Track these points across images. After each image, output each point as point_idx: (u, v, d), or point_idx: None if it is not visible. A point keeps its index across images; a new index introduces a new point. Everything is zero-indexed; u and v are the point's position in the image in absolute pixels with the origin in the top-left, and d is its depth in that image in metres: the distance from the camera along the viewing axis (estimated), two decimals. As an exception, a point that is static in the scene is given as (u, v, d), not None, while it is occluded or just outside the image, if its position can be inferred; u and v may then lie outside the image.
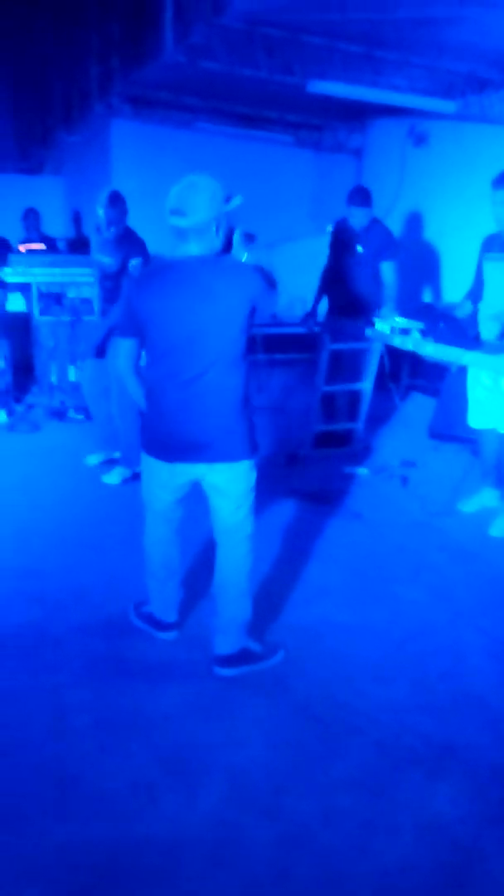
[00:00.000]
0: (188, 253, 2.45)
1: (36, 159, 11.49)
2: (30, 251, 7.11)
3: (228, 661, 2.70)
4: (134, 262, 4.36)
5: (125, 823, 2.06)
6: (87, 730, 2.42)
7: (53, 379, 6.14)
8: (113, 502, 4.25)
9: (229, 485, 2.58)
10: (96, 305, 4.63)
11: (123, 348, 2.65)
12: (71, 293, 6.07)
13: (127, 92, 7.59)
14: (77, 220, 9.19)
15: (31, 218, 7.68)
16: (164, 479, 2.66)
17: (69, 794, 2.15)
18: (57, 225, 9.18)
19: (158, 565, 2.84)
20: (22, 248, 7.21)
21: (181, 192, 2.44)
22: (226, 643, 2.70)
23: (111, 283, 4.53)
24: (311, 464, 4.97)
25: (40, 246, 7.41)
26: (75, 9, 7.89)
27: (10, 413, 5.76)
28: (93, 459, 4.86)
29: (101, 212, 4.37)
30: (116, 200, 4.42)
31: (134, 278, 2.71)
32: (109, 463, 4.77)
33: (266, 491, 4.44)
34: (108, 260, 4.44)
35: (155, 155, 8.07)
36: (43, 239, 7.63)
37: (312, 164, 9.11)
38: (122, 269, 4.39)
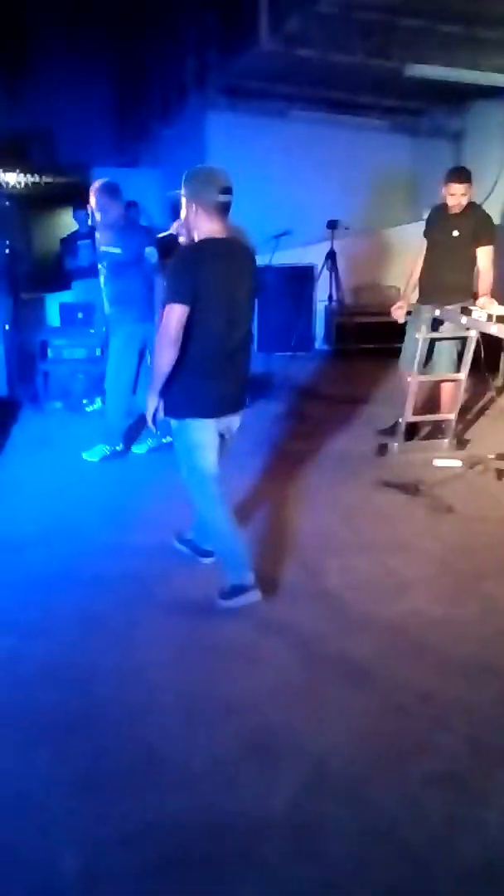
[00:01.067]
0: (224, 229, 2.86)
1: (132, 153, 11.77)
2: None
3: (222, 594, 3.06)
4: (149, 250, 4.52)
5: (208, 801, 2.10)
6: (173, 708, 2.48)
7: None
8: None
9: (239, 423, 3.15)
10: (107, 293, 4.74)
11: (177, 314, 2.79)
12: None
13: (222, 83, 7.66)
14: (176, 211, 9.36)
15: (132, 211, 7.86)
16: (211, 438, 3.01)
17: (155, 769, 2.21)
18: (154, 217, 9.36)
19: (235, 525, 3.10)
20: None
21: (225, 174, 2.86)
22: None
23: (121, 273, 4.66)
24: (402, 455, 4.89)
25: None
26: (171, 5, 8.01)
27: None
28: (140, 449, 4.99)
29: (92, 200, 4.63)
30: (107, 190, 4.62)
31: (192, 251, 2.91)
32: (157, 449, 4.89)
33: (356, 481, 4.45)
34: (116, 250, 4.60)
35: (249, 145, 8.10)
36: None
37: (409, 150, 8.93)
38: (137, 258, 4.55)
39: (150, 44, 9.82)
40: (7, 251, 6.68)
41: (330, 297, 7.52)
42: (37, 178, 12.11)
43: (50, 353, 5.99)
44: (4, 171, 11.41)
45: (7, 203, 6.65)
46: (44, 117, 11.59)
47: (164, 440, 4.63)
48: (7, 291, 6.42)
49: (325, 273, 7.24)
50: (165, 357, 2.85)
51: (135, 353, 4.70)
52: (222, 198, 2.82)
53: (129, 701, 2.52)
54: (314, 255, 7.55)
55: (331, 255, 7.12)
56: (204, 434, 2.99)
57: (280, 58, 5.50)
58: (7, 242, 6.75)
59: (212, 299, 2.80)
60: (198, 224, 2.89)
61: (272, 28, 5.09)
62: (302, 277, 7.81)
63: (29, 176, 11.85)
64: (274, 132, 8.23)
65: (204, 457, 3.01)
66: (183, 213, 2.96)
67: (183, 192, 2.93)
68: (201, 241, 2.89)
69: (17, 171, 11.68)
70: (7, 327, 6.11)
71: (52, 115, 11.58)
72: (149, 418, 2.99)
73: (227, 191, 2.82)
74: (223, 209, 2.85)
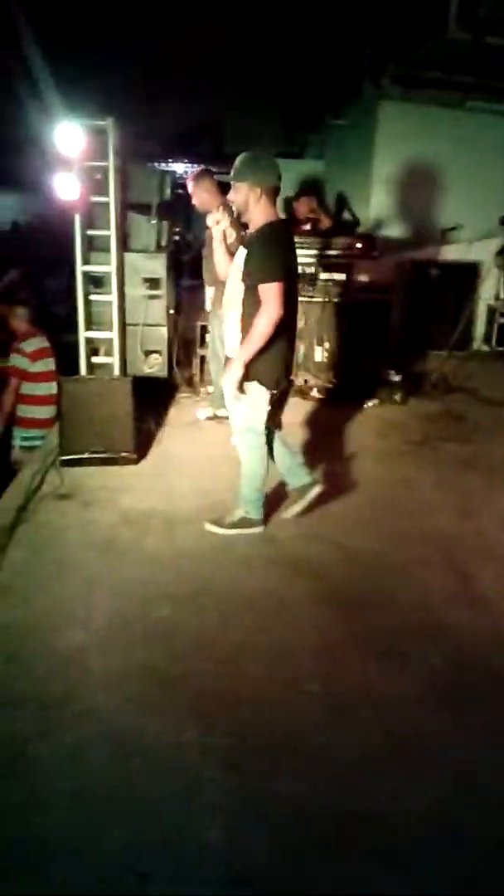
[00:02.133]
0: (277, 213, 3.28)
1: (300, 143, 11.81)
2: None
3: (229, 524, 3.61)
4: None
5: (349, 792, 2.11)
6: (319, 697, 2.50)
7: (301, 357, 6.27)
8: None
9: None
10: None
11: (281, 290, 3.16)
12: (323, 274, 6.14)
13: (398, 73, 7.52)
14: (341, 203, 9.28)
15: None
16: (268, 405, 3.41)
17: (299, 754, 2.25)
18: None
19: (264, 476, 3.61)
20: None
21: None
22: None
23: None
24: None
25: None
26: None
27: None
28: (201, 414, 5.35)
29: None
30: (195, 178, 4.95)
31: (273, 232, 3.25)
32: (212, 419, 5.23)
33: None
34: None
35: (420, 136, 7.91)
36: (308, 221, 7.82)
37: None
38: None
39: (322, 33, 9.77)
40: (176, 239, 6.92)
41: (497, 296, 7.23)
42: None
43: (207, 338, 6.14)
44: (173, 162, 11.80)
45: (179, 191, 6.87)
46: (213, 108, 11.85)
47: (218, 413, 5.03)
48: (174, 279, 6.65)
49: (494, 271, 6.96)
50: (269, 331, 3.19)
51: None
52: (279, 183, 3.21)
53: (276, 682, 2.58)
54: (481, 252, 7.28)
55: (502, 252, 6.83)
56: (266, 402, 3.40)
57: (466, 46, 5.33)
58: (176, 230, 6.99)
59: (287, 277, 3.20)
60: (260, 208, 3.22)
61: (461, 15, 4.94)
62: (467, 274, 7.56)
63: (195, 166, 12.20)
64: (448, 123, 7.97)
65: (261, 420, 3.44)
66: (240, 198, 3.23)
67: (242, 176, 3.19)
68: (272, 224, 3.22)
69: (185, 161, 12.04)
70: (171, 312, 6.34)
71: (221, 106, 11.81)
72: (233, 387, 3.31)
73: (280, 177, 3.21)
74: (278, 194, 3.26)
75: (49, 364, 5.48)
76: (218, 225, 3.87)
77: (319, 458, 4.50)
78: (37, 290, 7.46)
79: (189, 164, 12.52)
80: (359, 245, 6.17)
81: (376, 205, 8.01)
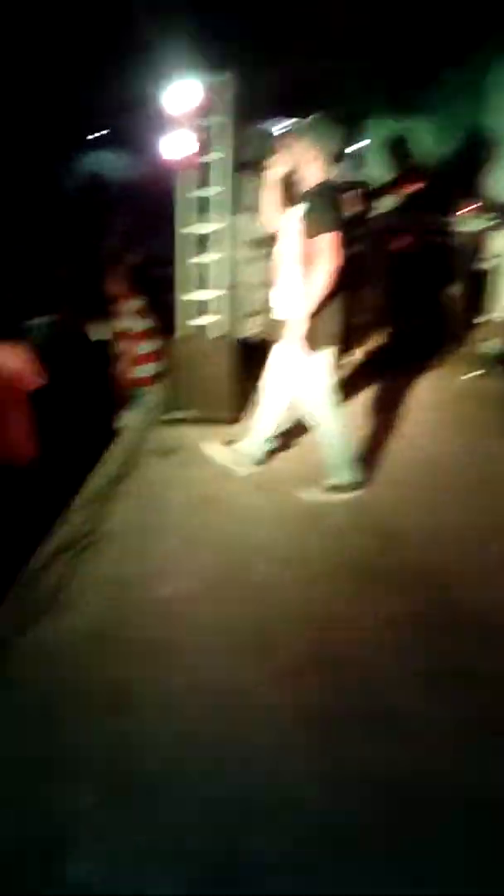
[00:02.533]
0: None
1: (408, 102, 11.39)
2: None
3: (325, 489, 3.62)
4: None
5: (442, 764, 2.10)
6: (414, 669, 2.50)
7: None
8: None
9: None
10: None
11: (338, 242, 3.27)
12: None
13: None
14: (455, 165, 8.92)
15: None
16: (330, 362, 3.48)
17: (393, 722, 2.26)
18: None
19: (348, 436, 3.66)
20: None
21: None
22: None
23: None
24: None
25: None
26: None
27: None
28: None
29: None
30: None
31: (331, 190, 3.41)
32: None
33: None
34: None
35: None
36: None
37: None
38: None
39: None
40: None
41: None
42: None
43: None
44: (280, 121, 11.58)
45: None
46: (321, 67, 11.54)
47: None
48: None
49: None
50: (328, 282, 3.27)
51: None
52: (336, 149, 3.55)
53: (369, 646, 2.59)
54: None
55: None
56: (329, 359, 3.47)
57: None
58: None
59: (341, 234, 3.29)
60: (315, 168, 3.38)
61: None
62: None
63: (302, 125, 11.97)
64: None
65: (328, 378, 3.50)
66: (298, 155, 3.42)
67: (304, 135, 3.44)
68: (326, 183, 3.37)
69: (293, 120, 11.80)
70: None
71: (329, 64, 11.48)
72: (301, 342, 3.36)
73: (340, 144, 3.64)
74: (337, 159, 3.61)
75: (149, 323, 5.56)
76: (276, 169, 3.68)
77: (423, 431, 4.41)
78: (138, 250, 7.53)
79: (296, 124, 12.26)
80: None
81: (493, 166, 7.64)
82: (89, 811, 1.95)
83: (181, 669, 2.46)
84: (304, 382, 3.57)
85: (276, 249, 3.59)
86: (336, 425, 3.60)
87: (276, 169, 3.75)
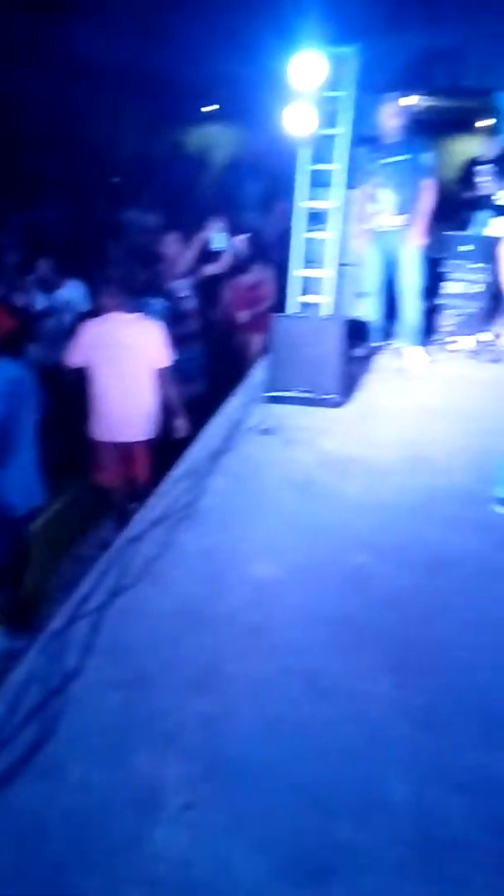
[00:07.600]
0: None
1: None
2: None
3: None
4: None
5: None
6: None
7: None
8: None
9: None
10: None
11: None
12: None
13: None
14: None
15: None
16: None
17: (495, 725, 2.14)
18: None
19: None
20: None
21: None
22: None
23: None
24: None
25: None
26: None
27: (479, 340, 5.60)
28: None
29: None
30: None
31: None
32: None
33: None
34: None
35: None
36: None
37: None
38: None
39: None
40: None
41: None
42: (437, 102, 11.73)
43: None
44: (408, 94, 11.17)
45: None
46: (453, 37, 11.05)
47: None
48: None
49: None
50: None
51: None
52: None
53: (471, 648, 2.47)
54: None
55: None
56: None
57: None
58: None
59: None
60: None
61: None
62: None
63: (430, 99, 11.52)
64: None
65: None
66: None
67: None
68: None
69: (422, 93, 11.36)
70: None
71: (462, 35, 10.98)
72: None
73: None
74: None
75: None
76: None
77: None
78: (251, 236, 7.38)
79: (425, 97, 11.82)
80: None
81: None
82: (177, 783, 1.94)
83: (271, 653, 2.41)
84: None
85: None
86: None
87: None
